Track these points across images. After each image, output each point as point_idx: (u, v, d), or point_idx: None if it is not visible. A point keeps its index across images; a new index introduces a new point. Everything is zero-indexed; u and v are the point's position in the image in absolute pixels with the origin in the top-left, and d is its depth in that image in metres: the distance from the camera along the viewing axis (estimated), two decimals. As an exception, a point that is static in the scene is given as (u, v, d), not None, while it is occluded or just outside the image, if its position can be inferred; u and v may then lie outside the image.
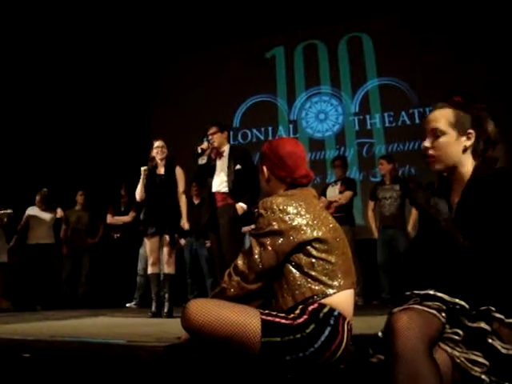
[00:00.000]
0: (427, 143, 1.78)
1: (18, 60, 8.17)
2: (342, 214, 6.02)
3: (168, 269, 5.03)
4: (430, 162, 1.79)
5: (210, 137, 4.86)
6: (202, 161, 4.81)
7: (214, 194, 4.78)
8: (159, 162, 5.14)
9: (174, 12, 8.28)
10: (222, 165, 4.79)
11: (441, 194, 1.81)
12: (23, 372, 2.32)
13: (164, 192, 5.07)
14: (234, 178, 4.66)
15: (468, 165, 1.76)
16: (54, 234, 7.44)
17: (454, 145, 1.75)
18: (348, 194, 6.19)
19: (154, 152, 5.12)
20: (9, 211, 6.87)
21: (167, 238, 5.01)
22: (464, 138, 1.75)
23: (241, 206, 4.58)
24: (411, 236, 5.90)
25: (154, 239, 5.03)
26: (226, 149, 4.85)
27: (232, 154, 4.79)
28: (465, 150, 1.75)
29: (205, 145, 4.82)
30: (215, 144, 4.82)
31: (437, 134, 1.76)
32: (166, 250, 5.02)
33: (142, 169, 5.11)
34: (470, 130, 1.74)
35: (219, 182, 4.75)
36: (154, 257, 5.05)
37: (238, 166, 4.69)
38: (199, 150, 4.78)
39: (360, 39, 8.35)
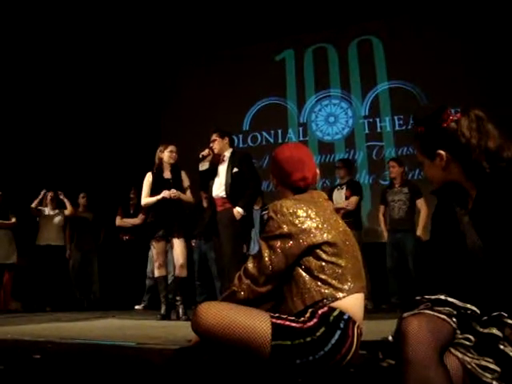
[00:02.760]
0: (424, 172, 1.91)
1: (27, 63, 8.23)
2: (350, 219, 5.98)
3: (181, 272, 5.03)
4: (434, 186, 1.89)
5: (211, 144, 4.93)
6: (203, 167, 4.93)
7: (214, 198, 4.85)
8: (167, 165, 5.14)
9: (184, 15, 8.31)
10: (222, 170, 4.86)
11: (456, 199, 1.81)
12: (34, 373, 2.33)
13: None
14: (231, 182, 4.71)
15: (456, 174, 1.75)
16: (63, 235, 7.50)
17: (432, 169, 1.81)
18: (354, 199, 6.14)
19: (167, 156, 5.10)
20: None
21: (177, 241, 5.01)
22: (437, 160, 1.76)
23: (237, 211, 4.59)
24: (421, 239, 5.88)
25: (162, 242, 5.04)
26: (227, 154, 4.91)
27: (232, 159, 4.85)
28: (445, 168, 1.76)
29: (206, 151, 4.91)
30: (216, 151, 4.90)
31: (422, 164, 1.86)
32: (177, 252, 5.02)
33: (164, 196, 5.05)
34: (439, 151, 1.74)
35: (218, 186, 4.82)
36: (161, 260, 5.06)
37: (235, 169, 4.74)
38: (200, 157, 4.89)
39: (370, 42, 8.33)
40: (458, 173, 1.74)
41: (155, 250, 5.07)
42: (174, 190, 4.99)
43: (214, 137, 4.93)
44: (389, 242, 6.13)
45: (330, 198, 6.27)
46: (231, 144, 5.04)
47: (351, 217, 6.03)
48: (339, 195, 6.28)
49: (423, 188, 6.02)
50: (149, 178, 5.15)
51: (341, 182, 6.46)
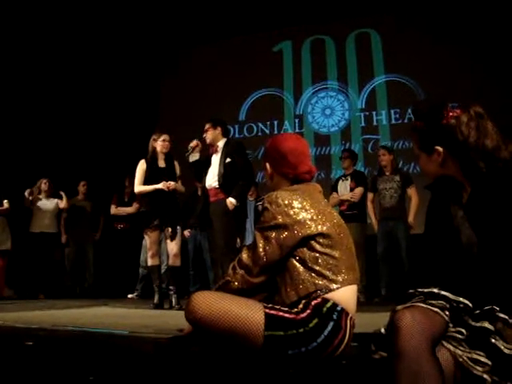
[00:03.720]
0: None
1: (23, 49, 8.17)
2: (355, 211, 5.98)
3: (175, 261, 5.03)
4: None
5: (204, 134, 4.90)
6: (193, 158, 4.91)
7: (207, 189, 4.83)
8: (160, 155, 5.11)
9: (182, 5, 8.27)
10: (215, 160, 4.83)
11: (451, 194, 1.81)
12: (26, 360, 2.33)
13: None
14: (223, 172, 4.68)
15: (452, 171, 1.75)
16: (57, 223, 7.48)
17: (429, 163, 1.80)
18: (360, 190, 6.08)
19: (159, 145, 5.08)
20: None
21: (173, 230, 5.01)
22: (435, 156, 1.76)
23: (230, 202, 4.55)
24: (411, 227, 5.88)
25: (156, 232, 5.04)
26: (220, 144, 4.86)
27: (225, 149, 4.81)
28: (442, 164, 1.76)
29: (194, 142, 4.89)
30: (208, 141, 4.87)
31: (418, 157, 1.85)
32: (171, 242, 5.02)
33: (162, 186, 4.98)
34: (437, 147, 1.74)
35: (211, 177, 4.80)
36: (155, 249, 5.06)
37: (228, 159, 4.70)
38: (189, 148, 4.88)
39: (368, 35, 8.32)
40: (455, 169, 1.74)
41: (149, 239, 5.06)
42: (172, 183, 4.97)
43: (207, 126, 4.90)
44: (380, 230, 6.10)
45: (335, 189, 6.26)
46: (225, 134, 4.98)
47: (356, 209, 6.01)
48: (344, 186, 6.23)
49: (416, 179, 6.03)
50: (142, 165, 5.12)
51: (345, 172, 6.40)
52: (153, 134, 5.25)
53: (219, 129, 4.91)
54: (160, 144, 5.08)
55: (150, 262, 5.11)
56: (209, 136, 4.87)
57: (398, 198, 6.00)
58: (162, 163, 5.12)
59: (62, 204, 7.45)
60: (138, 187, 5.10)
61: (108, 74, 8.81)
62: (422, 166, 1.85)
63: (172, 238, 5.01)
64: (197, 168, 4.97)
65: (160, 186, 4.95)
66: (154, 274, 5.11)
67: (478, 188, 1.69)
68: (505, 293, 1.55)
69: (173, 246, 5.02)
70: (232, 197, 4.56)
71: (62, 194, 7.45)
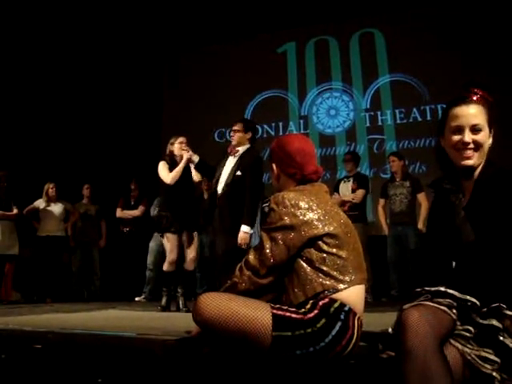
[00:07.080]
0: (468, 137, 1.74)
1: (27, 52, 8.20)
2: (356, 212, 5.99)
3: (191, 266, 5.05)
4: (469, 156, 1.74)
5: (231, 133, 4.74)
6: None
7: (218, 191, 4.67)
8: (179, 157, 5.07)
9: (187, 6, 8.29)
10: (229, 164, 4.65)
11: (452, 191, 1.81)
12: (35, 363, 2.34)
13: (185, 188, 5.07)
14: (230, 183, 4.51)
15: (480, 160, 1.76)
16: (64, 226, 7.49)
17: (487, 142, 1.76)
18: (361, 192, 6.13)
19: (177, 148, 5.06)
20: None
21: (190, 234, 5.02)
22: (490, 136, 1.76)
23: (244, 232, 4.25)
24: (422, 232, 5.88)
25: (177, 236, 4.99)
26: (241, 149, 4.65)
27: (242, 157, 4.60)
28: (486, 147, 1.76)
29: (187, 154, 4.89)
30: (234, 142, 4.68)
31: (476, 129, 1.74)
32: (191, 247, 5.03)
33: (186, 157, 4.93)
34: (491, 129, 1.75)
35: (221, 180, 4.63)
36: (175, 254, 4.96)
37: (239, 173, 4.50)
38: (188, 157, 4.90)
39: (372, 35, 8.31)
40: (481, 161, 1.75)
41: (169, 243, 4.96)
42: (191, 152, 4.92)
43: (237, 127, 4.68)
44: (390, 235, 6.15)
45: (337, 190, 6.29)
46: (252, 141, 4.73)
47: (357, 210, 6.04)
48: (346, 187, 6.29)
49: (423, 181, 6.02)
50: (165, 164, 5.07)
51: (348, 174, 6.46)
52: (171, 139, 5.24)
53: (249, 134, 4.70)
54: (177, 147, 5.06)
55: (168, 267, 4.99)
56: (236, 138, 4.66)
57: (408, 204, 6.05)
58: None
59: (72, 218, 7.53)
60: (169, 176, 4.97)
61: (112, 76, 8.81)
62: (482, 141, 1.75)
63: (190, 243, 5.01)
64: (203, 169, 4.96)
65: (184, 159, 4.91)
66: (168, 279, 5.05)
67: (481, 188, 1.70)
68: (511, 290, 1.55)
69: (191, 251, 5.03)
70: (244, 224, 4.28)
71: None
